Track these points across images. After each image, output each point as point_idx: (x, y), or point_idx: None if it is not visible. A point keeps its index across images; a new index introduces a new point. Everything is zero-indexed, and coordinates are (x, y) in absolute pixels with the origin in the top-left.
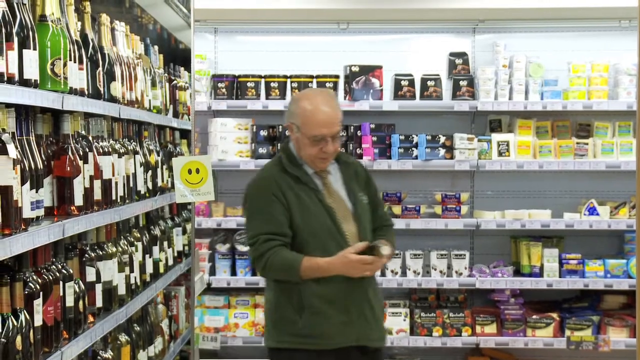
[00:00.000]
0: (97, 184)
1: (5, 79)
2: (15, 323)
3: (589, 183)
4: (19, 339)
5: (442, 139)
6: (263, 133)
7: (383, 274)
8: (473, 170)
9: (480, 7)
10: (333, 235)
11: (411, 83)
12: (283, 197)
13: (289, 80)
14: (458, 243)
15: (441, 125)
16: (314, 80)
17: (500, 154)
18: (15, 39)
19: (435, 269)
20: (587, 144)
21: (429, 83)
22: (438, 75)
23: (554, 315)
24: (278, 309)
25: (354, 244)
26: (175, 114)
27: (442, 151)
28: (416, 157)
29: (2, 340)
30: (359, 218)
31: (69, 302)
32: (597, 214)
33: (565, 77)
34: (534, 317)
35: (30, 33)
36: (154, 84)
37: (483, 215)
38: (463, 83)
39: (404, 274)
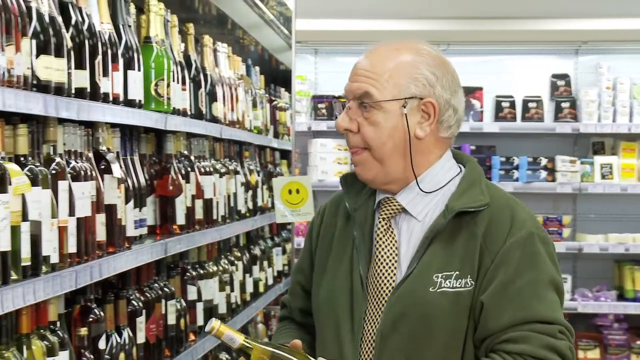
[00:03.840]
0: (199, 203)
1: (111, 99)
2: (119, 340)
3: None
4: (122, 356)
5: (544, 161)
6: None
7: None
8: (575, 193)
9: (583, 29)
10: (340, 328)
11: (512, 105)
12: (316, 240)
13: None
14: (560, 266)
15: (542, 148)
16: None
17: (603, 176)
18: (121, 60)
19: None
20: None
21: (531, 105)
22: (540, 97)
23: None
24: None
25: (368, 351)
26: (276, 135)
27: (543, 173)
28: (517, 180)
29: (106, 357)
30: (393, 310)
31: (171, 320)
32: None
33: None
34: (639, 342)
35: (135, 54)
36: (254, 105)
37: (586, 239)
38: (565, 105)
39: None
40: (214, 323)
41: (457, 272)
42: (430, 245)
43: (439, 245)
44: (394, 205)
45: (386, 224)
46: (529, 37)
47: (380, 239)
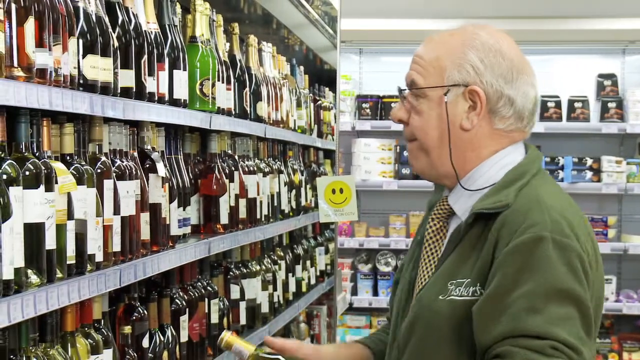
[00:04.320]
0: (243, 202)
1: (156, 98)
2: (162, 338)
3: None
4: (165, 354)
5: (589, 162)
6: (407, 154)
7: None
8: (621, 193)
9: (630, 28)
10: (390, 335)
11: (558, 104)
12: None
13: None
14: (604, 267)
15: (588, 148)
16: None
17: None
18: (166, 60)
19: None
20: None
21: (576, 105)
22: (586, 96)
23: None
24: None
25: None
26: (320, 134)
27: (589, 174)
28: (562, 180)
29: (150, 355)
30: (408, 318)
31: (214, 319)
32: None
33: None
34: None
35: (181, 54)
36: (299, 104)
37: (631, 240)
38: (611, 105)
39: None
40: (223, 334)
41: (469, 280)
42: (455, 249)
43: (461, 250)
44: (445, 206)
45: (435, 225)
46: (575, 37)
47: (427, 241)
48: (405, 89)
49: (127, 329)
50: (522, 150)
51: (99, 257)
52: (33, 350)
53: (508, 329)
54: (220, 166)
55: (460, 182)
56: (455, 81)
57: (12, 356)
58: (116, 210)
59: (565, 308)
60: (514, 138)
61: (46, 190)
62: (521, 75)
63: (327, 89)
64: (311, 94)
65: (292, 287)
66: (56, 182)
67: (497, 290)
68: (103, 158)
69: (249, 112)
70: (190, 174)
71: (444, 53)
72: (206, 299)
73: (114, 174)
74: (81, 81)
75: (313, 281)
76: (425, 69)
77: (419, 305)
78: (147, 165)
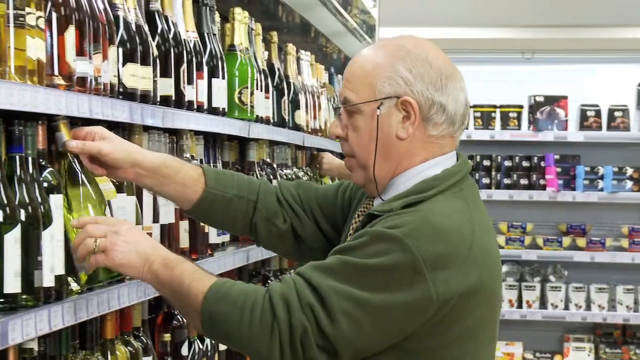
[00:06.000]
0: None
1: (195, 107)
2: (201, 346)
3: None
4: None
5: (630, 171)
6: None
7: (567, 307)
8: None
9: None
10: None
11: (597, 114)
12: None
13: (472, 110)
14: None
15: (628, 157)
16: (497, 110)
17: None
18: (205, 69)
19: (621, 304)
20: None
21: (617, 114)
22: (626, 105)
23: None
24: None
25: None
26: None
27: (629, 183)
28: (602, 189)
29: None
30: None
31: None
32: None
33: None
34: None
35: (219, 62)
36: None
37: None
38: None
39: (588, 307)
40: (61, 119)
41: None
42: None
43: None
44: (370, 205)
45: (356, 222)
46: (615, 45)
47: (349, 233)
48: (339, 107)
49: (167, 337)
50: (452, 162)
51: None
52: (73, 358)
53: (302, 270)
54: (258, 174)
55: (380, 193)
56: (387, 94)
57: None
58: (155, 219)
59: (357, 292)
60: (444, 147)
61: None
62: (450, 81)
63: None
64: None
65: None
66: None
67: (333, 251)
68: None
69: (287, 120)
70: None
71: (373, 69)
72: None
73: None
74: (121, 89)
75: None
76: (356, 86)
77: None
78: None
